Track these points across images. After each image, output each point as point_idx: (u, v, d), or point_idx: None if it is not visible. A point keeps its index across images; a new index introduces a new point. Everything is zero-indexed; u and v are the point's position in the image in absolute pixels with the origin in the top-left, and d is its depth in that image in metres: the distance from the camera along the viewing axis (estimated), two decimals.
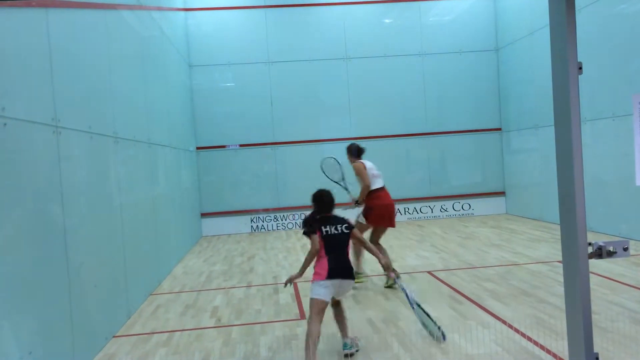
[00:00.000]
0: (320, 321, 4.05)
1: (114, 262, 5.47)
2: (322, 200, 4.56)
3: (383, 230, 6.49)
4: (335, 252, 4.24)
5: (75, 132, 4.53)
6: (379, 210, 6.34)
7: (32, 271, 3.59)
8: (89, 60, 5.20)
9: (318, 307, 4.06)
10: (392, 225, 6.46)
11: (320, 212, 4.49)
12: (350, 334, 4.42)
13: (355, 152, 6.76)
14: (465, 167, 12.70)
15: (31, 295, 3.56)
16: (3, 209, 3.26)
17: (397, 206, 12.69)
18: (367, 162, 6.60)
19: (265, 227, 12.21)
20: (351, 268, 4.29)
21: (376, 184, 6.44)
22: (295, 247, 9.82)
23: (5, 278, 3.22)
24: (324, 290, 4.11)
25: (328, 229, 4.32)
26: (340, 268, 4.19)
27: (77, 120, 4.62)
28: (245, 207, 12.17)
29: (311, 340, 3.95)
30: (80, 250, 4.44)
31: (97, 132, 5.09)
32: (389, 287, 6.30)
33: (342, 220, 4.45)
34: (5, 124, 3.31)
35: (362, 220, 6.38)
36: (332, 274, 4.13)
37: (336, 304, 4.41)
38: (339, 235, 4.30)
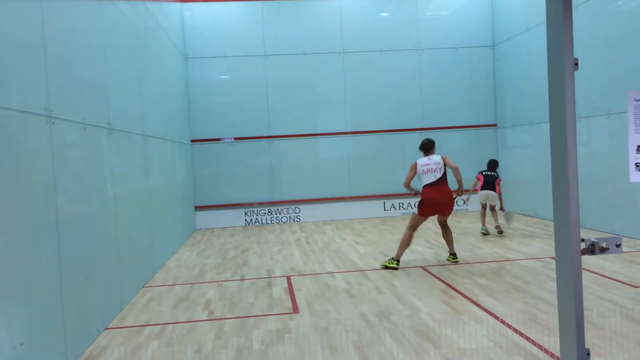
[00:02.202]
0: (486, 207, 9.51)
1: (107, 254, 5.45)
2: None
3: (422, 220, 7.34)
4: (485, 183, 9.24)
5: (68, 123, 4.50)
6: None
7: (25, 263, 3.57)
8: (84, 50, 5.16)
9: (482, 205, 9.53)
10: (431, 215, 7.30)
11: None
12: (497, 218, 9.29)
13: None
14: (461, 162, 12.61)
15: (23, 287, 3.54)
16: None
17: (391, 201, 12.79)
18: (420, 160, 7.44)
19: (260, 220, 12.20)
20: (493, 189, 9.18)
21: (425, 180, 7.27)
22: (289, 240, 9.83)
23: None
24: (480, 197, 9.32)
25: (485, 174, 9.39)
26: (485, 187, 9.20)
27: (71, 111, 4.59)
28: (239, 201, 12.16)
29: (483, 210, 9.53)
30: (73, 242, 4.42)
31: (91, 123, 5.05)
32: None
33: (493, 171, 9.41)
34: None
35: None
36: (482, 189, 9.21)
37: (492, 209, 9.37)
38: (489, 176, 9.29)
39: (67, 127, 4.49)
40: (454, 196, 7.33)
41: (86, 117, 4.93)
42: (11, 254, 3.40)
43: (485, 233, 9.31)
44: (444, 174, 7.20)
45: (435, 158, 7.29)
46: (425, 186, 7.24)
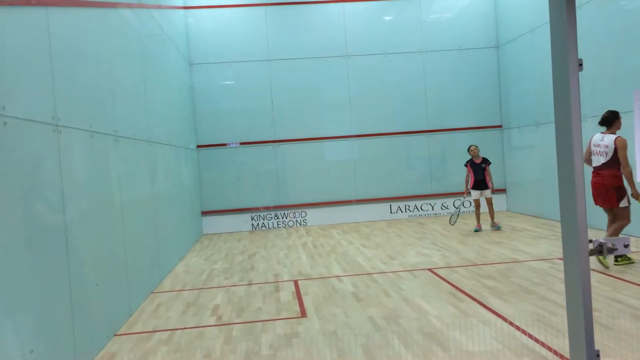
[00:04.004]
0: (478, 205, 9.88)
1: (115, 260, 5.47)
2: None
3: (607, 211, 6.61)
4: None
5: (75, 131, 4.53)
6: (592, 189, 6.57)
7: (33, 270, 3.60)
8: (89, 58, 5.20)
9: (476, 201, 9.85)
10: (600, 204, 6.57)
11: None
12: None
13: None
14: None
15: (32, 294, 3.56)
16: (3, 208, 3.26)
17: (397, 204, 12.77)
18: (595, 136, 6.56)
19: (266, 225, 12.21)
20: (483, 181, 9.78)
21: (593, 162, 6.54)
22: (296, 244, 9.83)
23: (6, 277, 3.22)
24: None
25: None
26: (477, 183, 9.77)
27: (78, 119, 4.62)
28: (246, 205, 12.17)
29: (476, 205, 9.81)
30: (81, 249, 4.44)
31: (97, 130, 5.09)
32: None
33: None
34: (5, 123, 3.31)
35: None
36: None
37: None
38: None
39: (74, 135, 4.52)
40: (625, 191, 6.33)
41: (92, 125, 4.96)
42: (20, 261, 3.42)
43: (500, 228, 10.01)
44: (611, 160, 6.24)
45: (609, 139, 6.30)
46: (593, 169, 6.56)
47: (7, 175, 3.34)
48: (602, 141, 6.36)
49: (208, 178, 12.12)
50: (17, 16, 3.71)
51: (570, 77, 1.93)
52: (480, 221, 10.01)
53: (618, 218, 6.44)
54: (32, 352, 3.41)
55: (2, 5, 3.48)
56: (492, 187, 9.93)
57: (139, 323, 5.47)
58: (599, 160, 6.39)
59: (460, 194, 12.75)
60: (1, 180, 3.25)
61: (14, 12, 3.66)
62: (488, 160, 10.00)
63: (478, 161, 9.93)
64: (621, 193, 6.31)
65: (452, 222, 10.12)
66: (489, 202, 9.92)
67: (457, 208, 10.28)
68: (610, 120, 6.40)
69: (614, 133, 6.38)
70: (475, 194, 9.90)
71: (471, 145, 10.15)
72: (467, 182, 10.05)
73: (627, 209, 6.37)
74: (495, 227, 9.97)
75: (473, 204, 10.14)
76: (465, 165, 10.07)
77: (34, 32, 3.94)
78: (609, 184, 6.30)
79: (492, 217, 10.04)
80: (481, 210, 10.10)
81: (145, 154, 7.04)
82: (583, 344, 1.95)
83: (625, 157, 6.13)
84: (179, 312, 5.80)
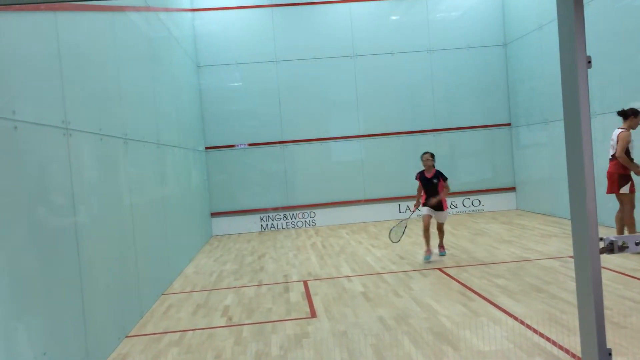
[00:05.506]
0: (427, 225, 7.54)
1: (126, 262, 5.50)
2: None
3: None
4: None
5: (85, 134, 4.57)
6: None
7: (45, 272, 3.62)
8: (98, 62, 5.24)
9: (425, 221, 7.53)
10: (609, 192, 7.18)
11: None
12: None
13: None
14: (475, 163, 12.65)
15: (44, 297, 3.59)
16: (15, 211, 3.29)
17: (405, 203, 12.72)
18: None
19: (275, 225, 12.23)
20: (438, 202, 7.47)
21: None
22: (305, 245, 9.83)
23: (17, 280, 3.25)
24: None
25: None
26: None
27: (87, 122, 4.65)
28: (254, 206, 12.20)
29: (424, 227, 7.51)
30: (92, 251, 4.47)
31: (106, 133, 5.12)
32: None
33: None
34: (15, 127, 3.34)
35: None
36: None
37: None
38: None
39: (84, 138, 4.55)
40: (629, 179, 6.93)
41: (102, 128, 5.00)
42: (31, 263, 3.45)
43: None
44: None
45: (616, 133, 6.95)
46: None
47: (18, 179, 3.37)
48: (613, 134, 7.01)
49: (217, 179, 12.16)
50: (26, 21, 3.74)
51: (579, 74, 1.92)
52: (430, 244, 7.60)
53: (621, 205, 7.07)
54: (44, 354, 3.44)
55: (11, 11, 3.51)
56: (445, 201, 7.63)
57: (150, 324, 5.50)
58: (609, 152, 7.05)
59: (466, 193, 12.79)
60: (12, 183, 3.28)
61: (23, 17, 3.70)
62: (442, 175, 7.55)
63: (429, 175, 7.58)
64: (625, 181, 6.95)
65: (393, 239, 7.78)
66: (439, 228, 7.72)
67: (400, 222, 7.82)
68: (625, 115, 6.92)
69: (625, 128, 6.92)
70: (425, 210, 7.54)
71: (424, 153, 7.73)
72: (418, 195, 7.77)
73: (627, 195, 7.00)
74: (441, 252, 7.80)
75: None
76: (416, 178, 7.80)
77: (43, 37, 3.98)
78: (613, 172, 7.00)
79: (440, 239, 7.82)
80: (431, 232, 7.64)
81: (154, 156, 7.07)
82: (595, 343, 1.94)
83: (622, 146, 6.80)
84: (189, 313, 5.82)
